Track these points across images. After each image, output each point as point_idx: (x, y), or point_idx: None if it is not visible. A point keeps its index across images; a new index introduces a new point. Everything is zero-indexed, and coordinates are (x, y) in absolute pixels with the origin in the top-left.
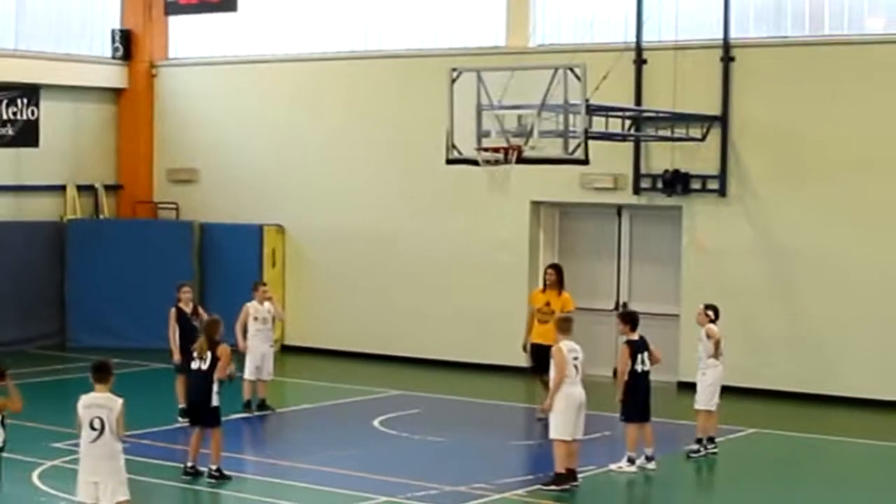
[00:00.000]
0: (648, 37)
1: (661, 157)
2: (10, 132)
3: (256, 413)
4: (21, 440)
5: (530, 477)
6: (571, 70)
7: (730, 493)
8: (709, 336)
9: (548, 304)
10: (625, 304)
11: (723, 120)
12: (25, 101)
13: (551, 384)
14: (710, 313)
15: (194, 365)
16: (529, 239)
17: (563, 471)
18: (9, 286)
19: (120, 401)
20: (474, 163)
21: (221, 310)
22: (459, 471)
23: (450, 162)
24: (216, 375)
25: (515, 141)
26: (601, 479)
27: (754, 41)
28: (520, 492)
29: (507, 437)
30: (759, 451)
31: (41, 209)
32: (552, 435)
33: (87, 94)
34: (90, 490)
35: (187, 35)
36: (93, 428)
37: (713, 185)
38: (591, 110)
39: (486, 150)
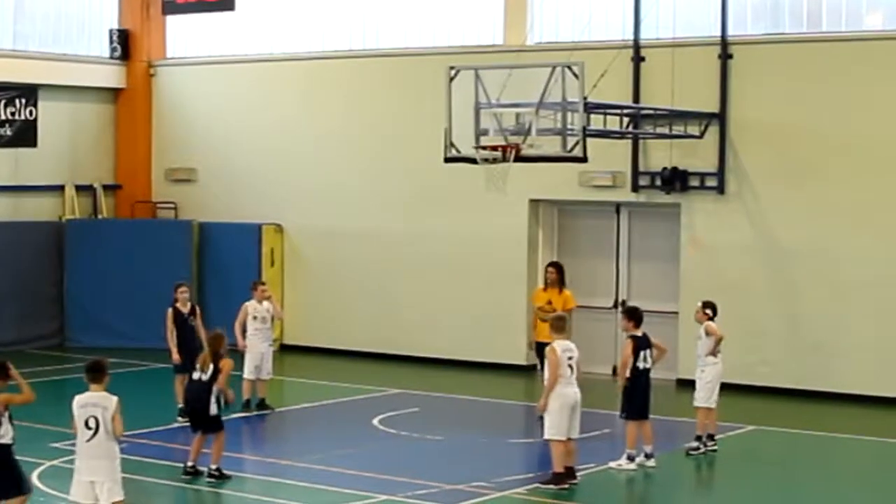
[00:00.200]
0: (646, 34)
1: (659, 155)
2: (9, 132)
3: (256, 412)
4: (20, 440)
5: (530, 475)
6: (569, 68)
7: (729, 491)
8: (708, 333)
9: (549, 302)
10: (623, 302)
11: (721, 117)
12: (23, 101)
13: (545, 384)
14: (709, 311)
15: (195, 375)
16: (528, 237)
17: (561, 470)
18: (7, 286)
19: (115, 399)
20: (473, 161)
21: (220, 309)
22: (459, 469)
23: (448, 160)
24: (216, 386)
25: (514, 139)
26: (601, 476)
27: (752, 38)
28: (519, 490)
29: (507, 435)
30: (758, 448)
31: (40, 209)
32: (546, 435)
33: (86, 93)
34: (86, 490)
35: (185, 34)
36: (88, 427)
37: (712, 182)
38: (590, 108)
39: (484, 148)
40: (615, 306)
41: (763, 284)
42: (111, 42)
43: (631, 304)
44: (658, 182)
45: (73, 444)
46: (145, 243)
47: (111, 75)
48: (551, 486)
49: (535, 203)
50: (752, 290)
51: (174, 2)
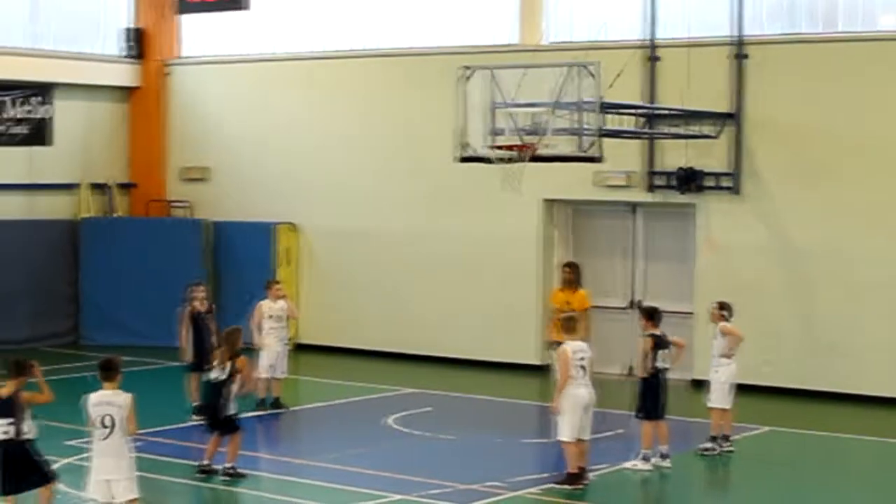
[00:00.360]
0: (662, 34)
1: (674, 155)
2: (24, 131)
3: (270, 411)
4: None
5: (544, 475)
6: (585, 68)
7: (744, 491)
8: (724, 334)
9: (567, 303)
10: (639, 302)
11: (736, 117)
12: (39, 99)
13: (557, 385)
14: (724, 312)
15: (213, 375)
16: (543, 237)
17: (575, 470)
18: (22, 284)
19: (129, 396)
20: (487, 161)
21: (235, 308)
22: (473, 469)
23: (463, 160)
24: (236, 389)
25: (529, 139)
26: (615, 477)
27: (768, 38)
28: (533, 490)
29: (520, 435)
30: (773, 449)
31: (54, 208)
32: (558, 436)
33: (100, 92)
34: (102, 488)
35: (199, 33)
36: (104, 426)
37: (727, 182)
38: (605, 108)
39: (499, 147)
40: (630, 306)
41: (778, 285)
42: (126, 41)
43: (649, 304)
44: (673, 182)
45: (88, 442)
46: (159, 242)
47: (126, 74)
48: (565, 487)
49: (549, 203)
50: (767, 290)
51: (189, 1)
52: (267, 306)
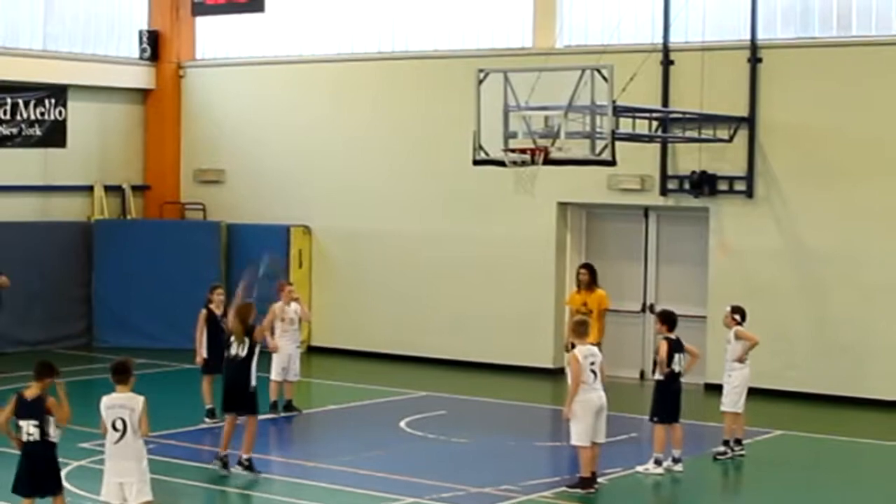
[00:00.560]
0: (675, 38)
1: (688, 159)
2: (38, 132)
3: (283, 414)
4: None
5: (556, 479)
6: (598, 71)
7: (756, 496)
8: (738, 338)
9: (584, 304)
10: (651, 306)
11: (750, 121)
12: (53, 101)
13: (569, 390)
14: (737, 316)
15: (232, 351)
16: (556, 240)
17: (588, 474)
18: (36, 286)
19: (141, 399)
20: (501, 164)
21: None
22: (486, 472)
23: (477, 163)
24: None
25: (542, 142)
26: (627, 480)
27: (782, 42)
28: (546, 494)
29: (534, 438)
30: (786, 454)
31: (68, 209)
32: (572, 441)
33: (115, 94)
34: (116, 490)
35: (215, 36)
36: (115, 429)
37: (740, 186)
38: (618, 111)
39: (513, 151)
40: (643, 310)
41: (791, 288)
42: (141, 43)
43: (665, 308)
44: (687, 186)
45: (101, 445)
46: (173, 244)
47: (140, 76)
48: (578, 490)
49: (563, 206)
50: (781, 294)
51: (204, 3)
52: (280, 309)
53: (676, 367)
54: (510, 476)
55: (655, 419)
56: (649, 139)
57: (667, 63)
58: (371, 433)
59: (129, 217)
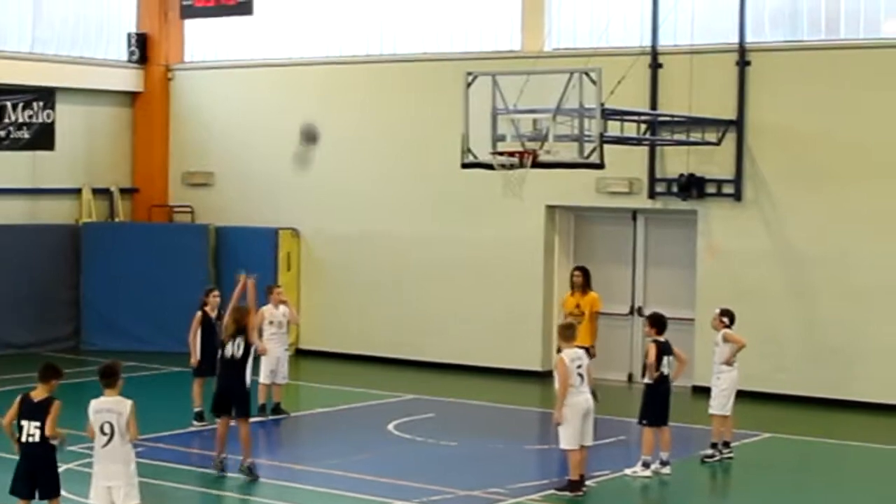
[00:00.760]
0: (664, 41)
1: (676, 162)
2: (26, 135)
3: (271, 417)
4: None
5: (545, 482)
6: (587, 74)
7: (744, 498)
8: (726, 341)
9: (577, 306)
10: (640, 309)
11: (738, 124)
12: (41, 104)
13: (557, 394)
14: (725, 319)
15: (228, 352)
16: (545, 243)
17: (576, 477)
18: (24, 289)
19: (129, 403)
20: (489, 167)
21: None
22: (474, 475)
23: (465, 166)
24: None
25: (531, 145)
26: (616, 483)
27: (770, 45)
28: (534, 496)
29: (522, 441)
30: (774, 456)
31: (56, 212)
32: (560, 445)
33: (103, 97)
34: (104, 494)
35: (203, 38)
36: (103, 433)
37: (729, 189)
38: (607, 114)
39: (501, 154)
40: (631, 313)
41: (780, 291)
42: (129, 46)
43: (654, 311)
44: (675, 189)
45: (90, 448)
46: (162, 247)
47: (129, 79)
48: (566, 493)
49: (551, 209)
50: (769, 296)
51: (192, 5)
52: (268, 312)
53: (665, 370)
54: (498, 479)
55: (644, 422)
56: (638, 142)
57: (655, 66)
58: (359, 436)
59: (117, 220)
